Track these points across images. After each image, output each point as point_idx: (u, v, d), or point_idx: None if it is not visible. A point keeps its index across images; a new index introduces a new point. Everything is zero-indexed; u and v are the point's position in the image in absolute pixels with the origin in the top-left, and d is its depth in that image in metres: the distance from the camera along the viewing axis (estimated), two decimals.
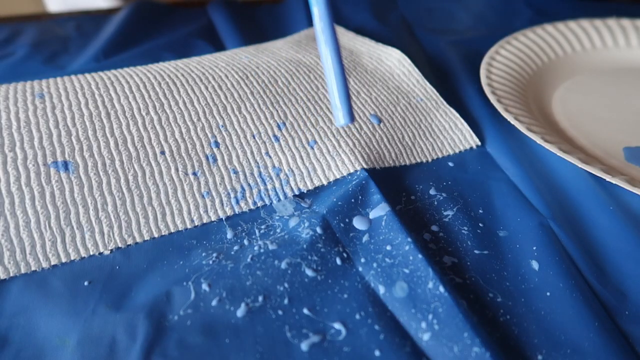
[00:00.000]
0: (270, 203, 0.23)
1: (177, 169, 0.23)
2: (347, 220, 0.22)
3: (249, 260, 0.20)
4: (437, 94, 0.30)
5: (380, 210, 0.22)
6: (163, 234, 0.21)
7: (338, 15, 0.43)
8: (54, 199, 0.20)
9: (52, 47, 0.36)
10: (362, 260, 0.20)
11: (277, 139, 0.25)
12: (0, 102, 0.23)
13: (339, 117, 0.19)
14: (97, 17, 0.41)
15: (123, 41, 0.37)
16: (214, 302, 0.18)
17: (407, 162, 0.26)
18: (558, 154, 0.24)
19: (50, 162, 0.21)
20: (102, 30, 0.39)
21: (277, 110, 0.26)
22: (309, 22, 0.40)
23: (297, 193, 0.23)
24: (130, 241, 0.20)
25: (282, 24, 0.42)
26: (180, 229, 0.21)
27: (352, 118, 0.18)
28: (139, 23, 0.39)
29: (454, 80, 0.34)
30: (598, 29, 0.39)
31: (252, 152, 0.24)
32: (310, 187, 0.24)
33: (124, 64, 0.31)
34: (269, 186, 0.23)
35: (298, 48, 0.33)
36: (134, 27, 0.39)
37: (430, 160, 0.27)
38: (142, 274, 0.19)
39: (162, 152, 0.23)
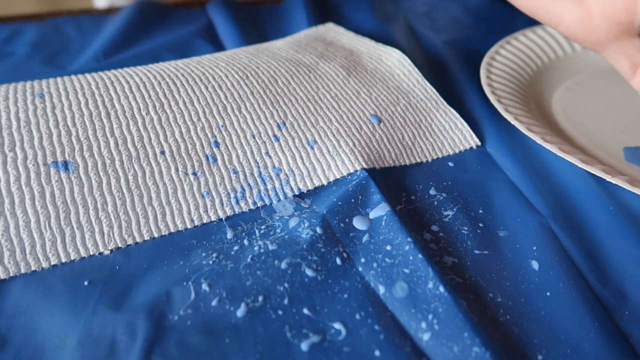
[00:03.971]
0: (270, 203, 0.23)
1: (177, 169, 0.23)
2: (347, 220, 0.22)
3: (249, 260, 0.20)
4: (437, 94, 0.30)
5: (380, 210, 0.22)
6: (163, 234, 0.21)
7: (338, 15, 0.43)
8: (54, 199, 0.20)
9: (52, 47, 0.36)
10: (362, 260, 0.20)
11: (277, 139, 0.25)
12: (0, 102, 0.23)
13: None
14: (97, 17, 0.41)
15: (123, 41, 0.37)
16: (214, 302, 0.18)
17: (407, 162, 0.26)
18: (558, 154, 0.24)
19: (50, 162, 0.21)
20: (102, 30, 0.39)
21: (277, 110, 0.26)
22: (309, 22, 0.40)
23: (297, 193, 0.23)
24: (130, 241, 0.20)
25: (282, 24, 0.42)
26: (180, 229, 0.21)
27: None
28: (139, 23, 0.39)
29: (454, 80, 0.34)
30: None
31: (252, 152, 0.24)
32: (310, 187, 0.24)
33: (124, 64, 0.31)
34: (269, 186, 0.23)
35: (298, 48, 0.33)
36: (134, 27, 0.39)
37: (430, 160, 0.27)
38: (142, 274, 0.19)
39: (162, 152, 0.23)
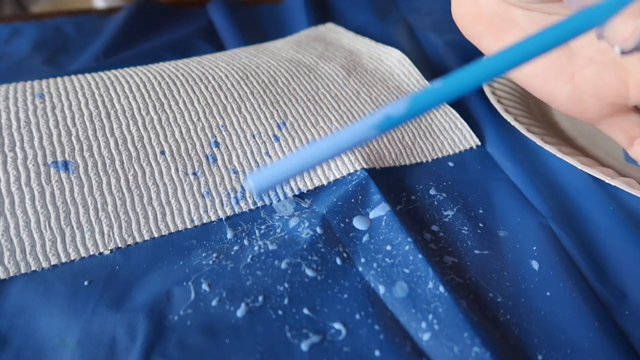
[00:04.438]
0: (270, 203, 0.23)
1: (177, 169, 0.23)
2: (347, 220, 0.22)
3: (249, 260, 0.20)
4: None
5: (380, 210, 0.22)
6: (163, 234, 0.21)
7: (338, 15, 0.43)
8: (54, 198, 0.20)
9: (52, 47, 0.36)
10: (362, 260, 0.20)
11: (277, 139, 0.25)
12: (0, 102, 0.23)
13: (256, 178, 0.14)
14: (97, 17, 0.41)
15: (123, 41, 0.37)
16: (214, 302, 0.18)
17: (407, 162, 0.26)
18: (558, 155, 0.24)
19: (50, 162, 0.21)
20: (102, 30, 0.39)
21: (277, 110, 0.26)
22: (309, 22, 0.40)
23: (297, 193, 0.23)
24: (130, 241, 0.20)
25: (282, 24, 0.42)
26: (180, 229, 0.21)
27: (258, 192, 0.14)
28: (139, 23, 0.39)
29: None
30: None
31: (252, 152, 0.24)
32: (310, 187, 0.24)
33: (124, 64, 0.31)
34: None
35: (298, 48, 0.33)
36: (134, 27, 0.39)
37: (430, 160, 0.27)
38: (142, 274, 0.19)
39: (162, 152, 0.23)
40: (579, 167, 0.24)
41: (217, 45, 0.38)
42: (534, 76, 0.22)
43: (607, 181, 0.23)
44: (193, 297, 0.19)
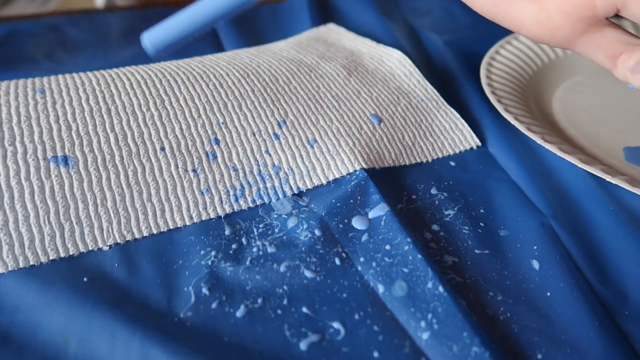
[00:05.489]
0: (269, 201, 0.23)
1: (177, 166, 0.23)
2: (346, 220, 0.22)
3: (247, 263, 0.20)
4: (438, 94, 0.30)
5: (379, 210, 0.22)
6: (162, 230, 0.21)
7: (339, 15, 0.43)
8: (53, 193, 0.20)
9: (52, 47, 0.36)
10: (362, 259, 0.20)
11: (277, 137, 0.25)
12: (1, 97, 0.23)
13: (151, 35, 0.15)
14: (97, 17, 0.41)
15: (123, 41, 0.37)
16: (213, 305, 0.18)
17: (407, 162, 0.26)
18: (558, 154, 0.24)
19: (50, 156, 0.21)
20: (102, 30, 0.39)
21: (278, 109, 0.26)
22: (311, 23, 0.40)
23: (296, 192, 0.23)
24: (129, 237, 0.20)
25: (284, 24, 0.42)
26: (179, 226, 0.21)
27: (155, 50, 0.15)
28: (138, 23, 0.39)
29: (454, 81, 0.34)
30: None
31: (252, 150, 0.24)
32: (310, 186, 0.24)
33: (124, 63, 0.31)
34: (269, 184, 0.23)
35: (299, 48, 0.33)
36: (134, 27, 0.39)
37: (430, 160, 0.27)
38: (141, 272, 0.19)
39: (162, 149, 0.23)
40: (580, 166, 0.24)
41: (217, 46, 0.38)
42: (498, 2, 0.21)
43: (607, 179, 0.23)
44: (193, 297, 0.18)
